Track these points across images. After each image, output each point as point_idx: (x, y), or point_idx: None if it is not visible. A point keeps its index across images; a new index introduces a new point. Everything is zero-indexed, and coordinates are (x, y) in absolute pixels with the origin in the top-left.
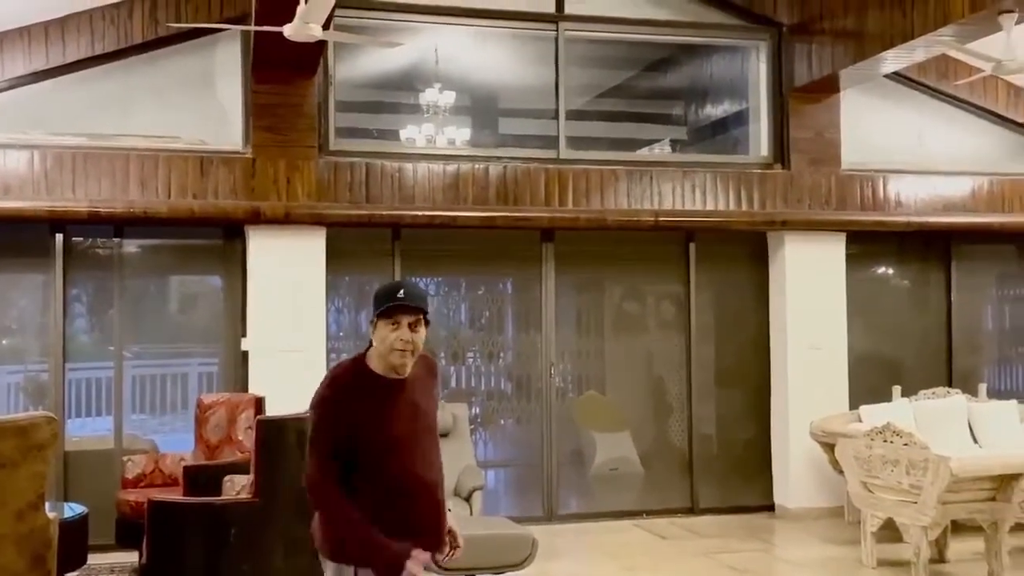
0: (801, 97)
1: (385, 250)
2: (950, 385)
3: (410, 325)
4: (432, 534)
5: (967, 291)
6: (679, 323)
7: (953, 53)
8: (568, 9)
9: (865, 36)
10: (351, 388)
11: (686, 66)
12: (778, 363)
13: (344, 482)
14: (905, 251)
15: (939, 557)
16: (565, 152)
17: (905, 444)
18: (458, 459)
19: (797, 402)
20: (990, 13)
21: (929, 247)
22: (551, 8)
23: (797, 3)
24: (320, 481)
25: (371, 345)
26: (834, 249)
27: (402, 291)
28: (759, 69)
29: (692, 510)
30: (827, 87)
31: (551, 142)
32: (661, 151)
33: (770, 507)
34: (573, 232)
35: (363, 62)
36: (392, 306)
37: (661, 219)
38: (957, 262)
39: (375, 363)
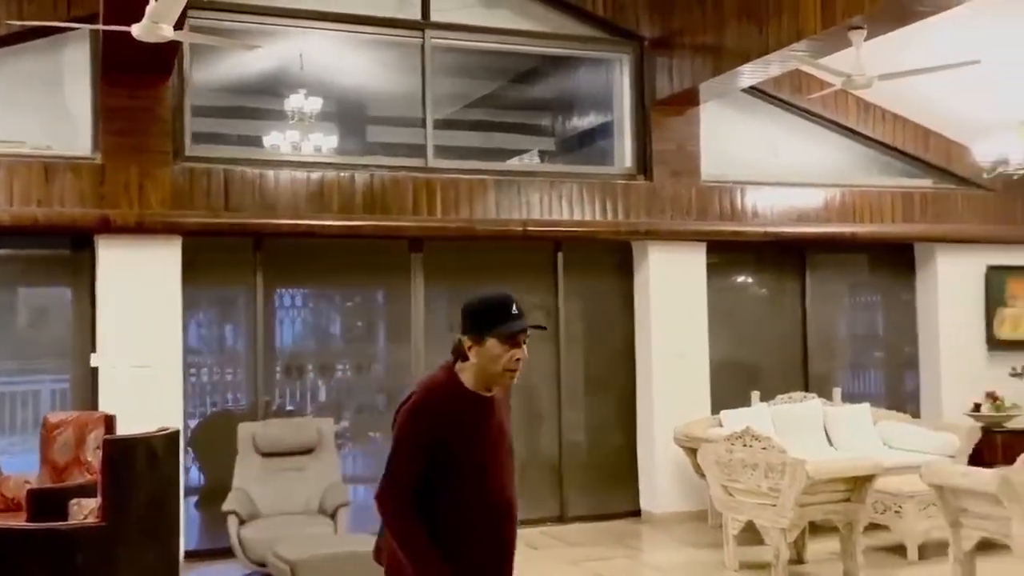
0: (663, 110)
1: (247, 260)
2: (806, 390)
3: (524, 342)
4: (511, 560)
5: (821, 299)
6: (549, 332)
7: (806, 68)
8: (434, 17)
9: (723, 51)
10: (445, 403)
11: (553, 77)
12: (643, 370)
13: (425, 503)
14: (762, 260)
15: (798, 558)
16: (433, 161)
17: (763, 448)
18: (324, 475)
19: (662, 408)
20: (840, 29)
21: (785, 256)
22: (417, 15)
23: (658, 17)
24: (394, 496)
25: (457, 359)
26: (695, 258)
27: (515, 306)
28: (623, 82)
29: (562, 518)
30: (687, 100)
31: (419, 151)
32: (530, 161)
33: (637, 513)
34: (442, 242)
35: (223, 66)
36: (517, 328)
37: (530, 229)
38: (811, 271)
39: (468, 379)
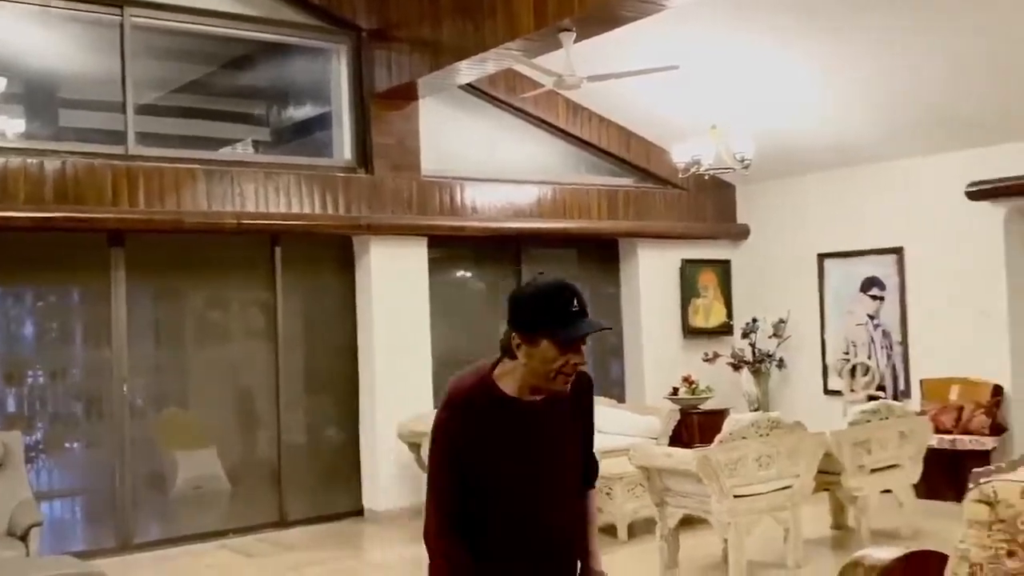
0: (382, 103)
1: None
2: None
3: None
4: None
5: None
6: (266, 330)
7: (520, 68)
8: None
9: (441, 46)
10: (474, 411)
11: (268, 65)
12: (366, 367)
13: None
14: (481, 254)
15: None
16: (135, 148)
17: None
18: (10, 494)
19: (385, 405)
20: (552, 30)
21: (502, 251)
22: None
23: (376, 9)
24: (438, 531)
25: (502, 359)
26: (417, 253)
27: (576, 301)
28: (341, 73)
29: (281, 523)
30: (406, 94)
31: (119, 137)
32: (243, 151)
33: (360, 512)
34: (146, 236)
35: None
36: (577, 328)
37: (244, 222)
38: (527, 264)
39: (508, 382)
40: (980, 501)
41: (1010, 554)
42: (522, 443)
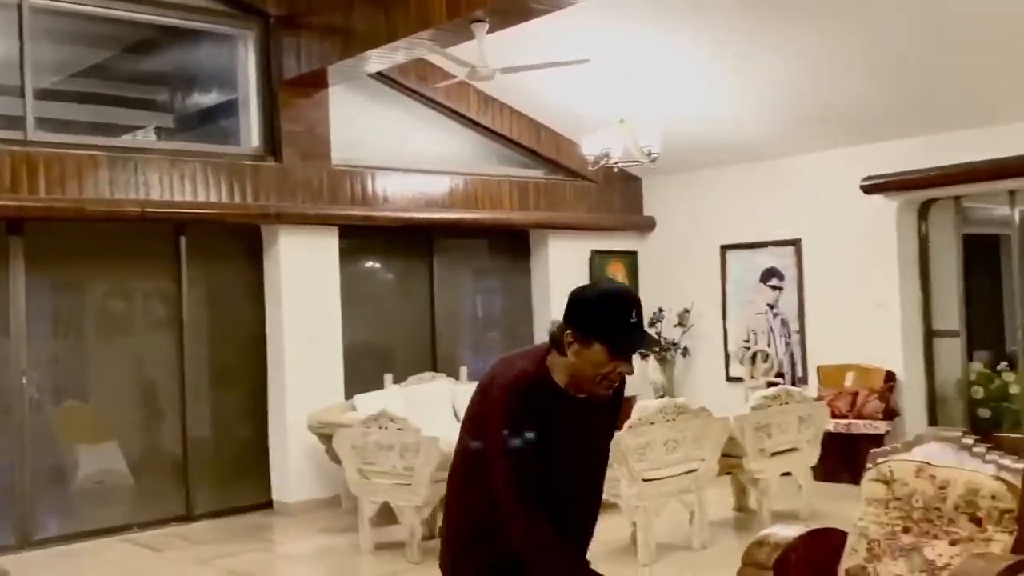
0: (292, 91)
1: None
2: (435, 370)
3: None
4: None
5: (447, 282)
6: (171, 322)
7: (432, 58)
8: None
9: (352, 34)
10: (535, 398)
11: (172, 50)
12: (275, 358)
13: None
14: (393, 245)
15: (430, 534)
16: (34, 134)
17: (399, 429)
18: None
19: (295, 396)
20: (464, 21)
21: (414, 241)
22: None
23: None
24: (526, 523)
25: (551, 350)
26: (328, 243)
27: (635, 312)
28: (248, 59)
29: (188, 517)
30: (316, 82)
31: (17, 122)
32: (145, 138)
33: (269, 504)
34: (46, 224)
35: None
36: (634, 341)
37: (148, 211)
38: (438, 255)
39: (558, 375)
40: (878, 480)
41: (905, 530)
42: (570, 434)
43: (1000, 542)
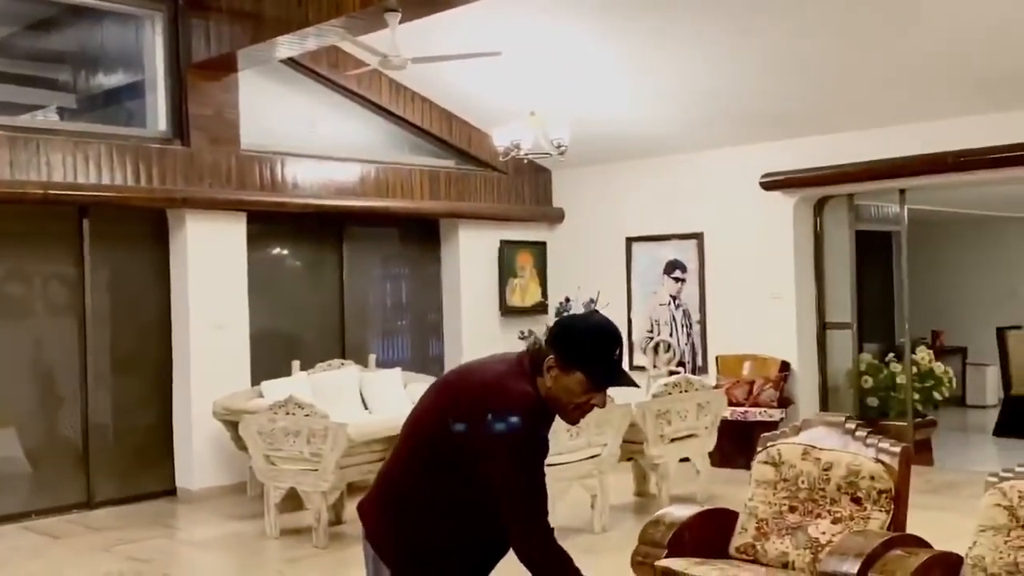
0: (200, 74)
1: None
2: (344, 357)
3: None
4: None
5: (357, 270)
6: (72, 306)
7: (345, 46)
8: None
9: (262, 19)
10: (541, 420)
11: (76, 29)
12: (180, 344)
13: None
14: (302, 232)
15: (337, 519)
16: None
17: (307, 415)
18: None
19: (200, 383)
20: (377, 10)
21: (324, 228)
22: None
23: None
24: (549, 539)
25: (531, 372)
26: (235, 229)
27: (619, 351)
28: (155, 40)
29: (88, 504)
30: (226, 66)
31: None
32: (45, 118)
33: (173, 492)
34: None
35: None
36: (614, 378)
37: (51, 192)
38: (348, 243)
39: (542, 392)
40: (766, 463)
41: (792, 509)
42: (546, 454)
43: (878, 520)
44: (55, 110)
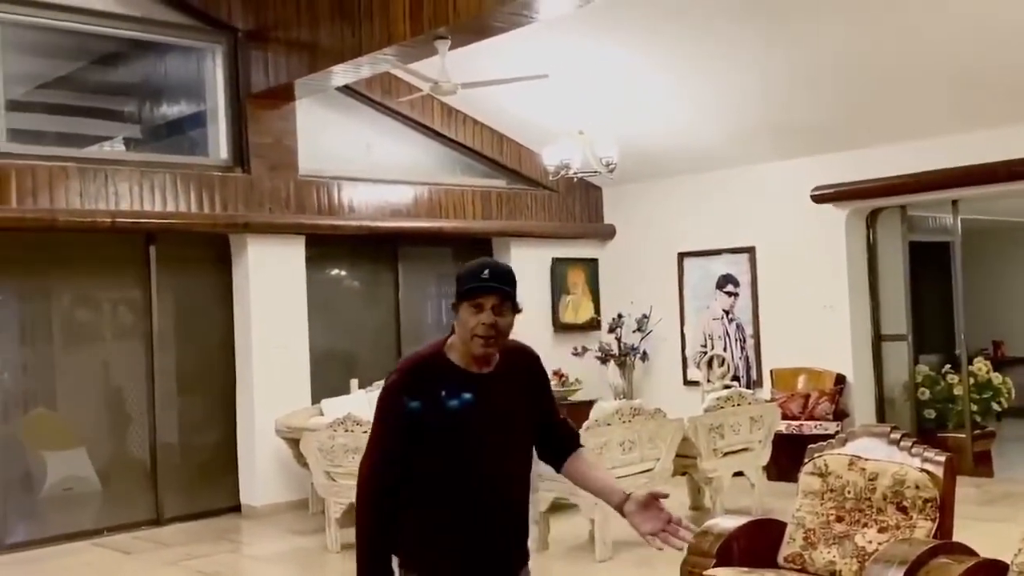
0: (259, 103)
1: None
2: None
3: (494, 308)
4: (506, 559)
5: (412, 289)
6: (140, 330)
7: (397, 72)
8: None
9: (318, 49)
10: (424, 380)
11: (140, 62)
12: (243, 364)
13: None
14: (358, 253)
15: None
16: (6, 146)
17: (365, 432)
18: None
19: (263, 401)
20: (427, 38)
21: (379, 249)
22: None
23: (252, 10)
24: (370, 484)
25: (452, 332)
26: (295, 252)
27: (487, 270)
28: (216, 72)
29: (157, 521)
30: (284, 95)
31: None
32: (112, 149)
33: (237, 508)
34: (16, 235)
35: None
36: (474, 287)
37: (119, 221)
38: (403, 263)
39: (456, 354)
40: (813, 473)
41: (838, 519)
42: (470, 411)
43: (924, 528)
44: (121, 141)
